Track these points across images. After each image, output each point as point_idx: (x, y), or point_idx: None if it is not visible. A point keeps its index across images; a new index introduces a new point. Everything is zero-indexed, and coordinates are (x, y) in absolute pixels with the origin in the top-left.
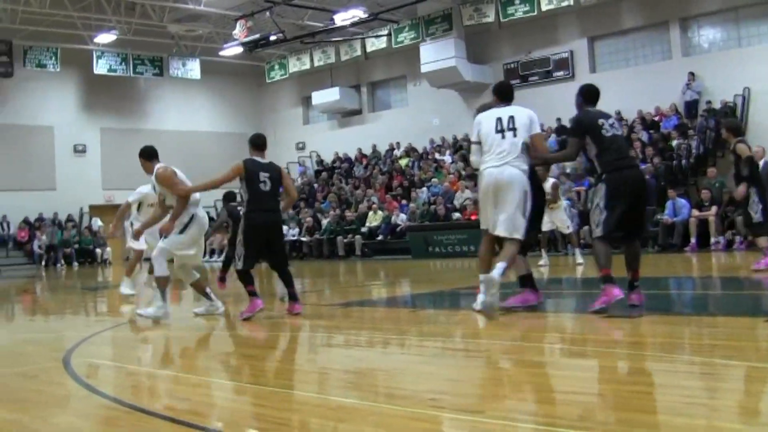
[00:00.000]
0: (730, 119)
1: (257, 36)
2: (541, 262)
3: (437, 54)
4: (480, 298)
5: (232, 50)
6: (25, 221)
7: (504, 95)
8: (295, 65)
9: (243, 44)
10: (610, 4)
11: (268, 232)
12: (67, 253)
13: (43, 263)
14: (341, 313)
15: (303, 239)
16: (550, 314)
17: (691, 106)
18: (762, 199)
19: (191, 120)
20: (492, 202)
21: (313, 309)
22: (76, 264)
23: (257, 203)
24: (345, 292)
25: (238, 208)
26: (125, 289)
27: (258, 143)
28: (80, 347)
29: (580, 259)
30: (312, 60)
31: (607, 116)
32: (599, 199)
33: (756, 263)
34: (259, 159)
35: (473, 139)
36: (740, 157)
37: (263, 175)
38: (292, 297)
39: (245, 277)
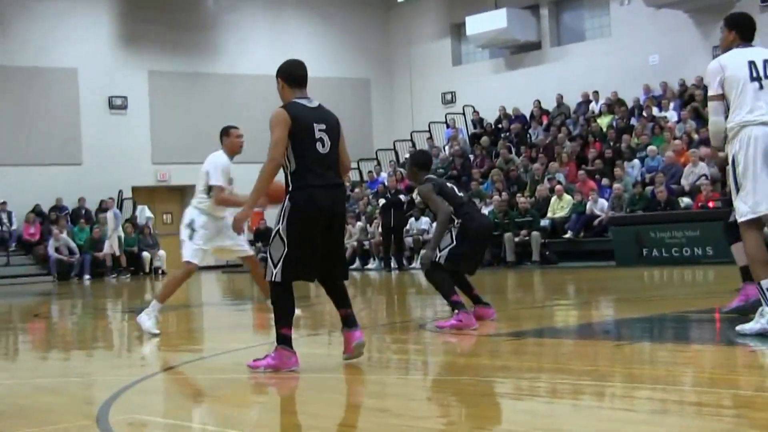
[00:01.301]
0: None
1: None
2: None
3: None
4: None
5: None
6: (36, 212)
7: (748, 32)
8: None
9: None
10: None
11: (331, 219)
12: (100, 259)
13: (56, 274)
14: (511, 348)
15: None
16: None
17: None
18: None
19: (285, 60)
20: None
21: (470, 341)
22: (113, 276)
23: (315, 173)
24: (516, 317)
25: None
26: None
27: (298, 75)
28: (120, 398)
29: None
30: None
31: None
32: None
33: None
34: (305, 102)
35: (713, 91)
36: None
37: (318, 129)
38: (350, 322)
39: (284, 301)
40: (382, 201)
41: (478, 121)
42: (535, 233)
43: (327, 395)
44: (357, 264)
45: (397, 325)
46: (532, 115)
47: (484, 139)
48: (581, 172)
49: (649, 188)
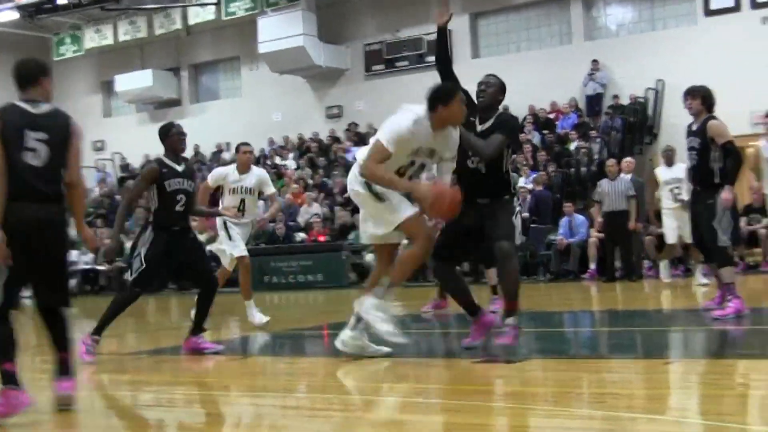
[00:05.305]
0: (701, 86)
1: None
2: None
3: (280, 30)
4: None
5: (4, 15)
6: None
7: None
8: (93, 39)
9: (19, 8)
10: None
11: (31, 237)
12: None
13: None
14: (149, 364)
15: (99, 268)
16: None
17: (594, 102)
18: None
19: None
20: None
21: (111, 359)
22: None
23: (20, 186)
24: (154, 337)
25: None
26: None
27: (17, 74)
28: None
29: None
30: (116, 33)
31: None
32: None
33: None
34: (27, 106)
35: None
36: (714, 141)
37: (32, 137)
38: (64, 368)
39: (1, 332)
40: None
41: (125, 167)
42: None
43: None
44: None
45: None
46: None
47: (130, 182)
48: None
49: (270, 225)
